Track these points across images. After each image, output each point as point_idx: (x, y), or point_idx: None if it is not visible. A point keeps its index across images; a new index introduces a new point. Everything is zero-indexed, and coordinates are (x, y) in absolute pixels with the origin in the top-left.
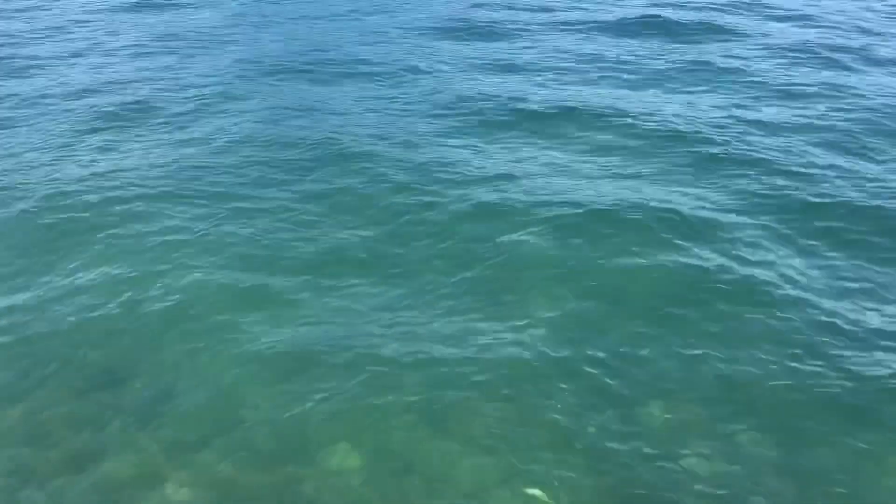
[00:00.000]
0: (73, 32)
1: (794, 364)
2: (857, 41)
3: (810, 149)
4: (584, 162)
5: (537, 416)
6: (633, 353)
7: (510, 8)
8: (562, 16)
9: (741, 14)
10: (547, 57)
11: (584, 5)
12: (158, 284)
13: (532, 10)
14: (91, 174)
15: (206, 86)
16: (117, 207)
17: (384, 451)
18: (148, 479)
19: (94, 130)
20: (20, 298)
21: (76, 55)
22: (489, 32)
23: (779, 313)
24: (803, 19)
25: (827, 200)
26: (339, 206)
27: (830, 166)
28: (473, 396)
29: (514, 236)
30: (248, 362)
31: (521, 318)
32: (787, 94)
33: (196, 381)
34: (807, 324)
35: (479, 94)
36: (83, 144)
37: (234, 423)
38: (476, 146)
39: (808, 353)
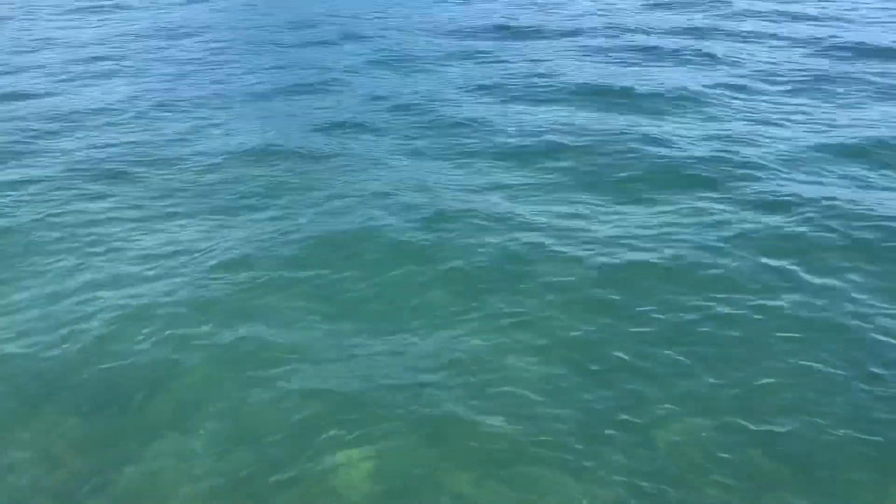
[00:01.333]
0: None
1: (817, 385)
2: None
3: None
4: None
5: (546, 438)
6: (646, 372)
7: None
8: None
9: None
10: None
11: None
12: (165, 301)
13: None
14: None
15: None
16: (112, 228)
17: (392, 468)
18: (160, 497)
19: None
20: (24, 317)
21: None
22: None
23: (801, 332)
24: None
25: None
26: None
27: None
28: (482, 413)
29: (515, 249)
30: (259, 377)
31: (528, 335)
32: None
33: (206, 397)
34: (831, 342)
35: None
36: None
37: (244, 437)
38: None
39: (832, 374)
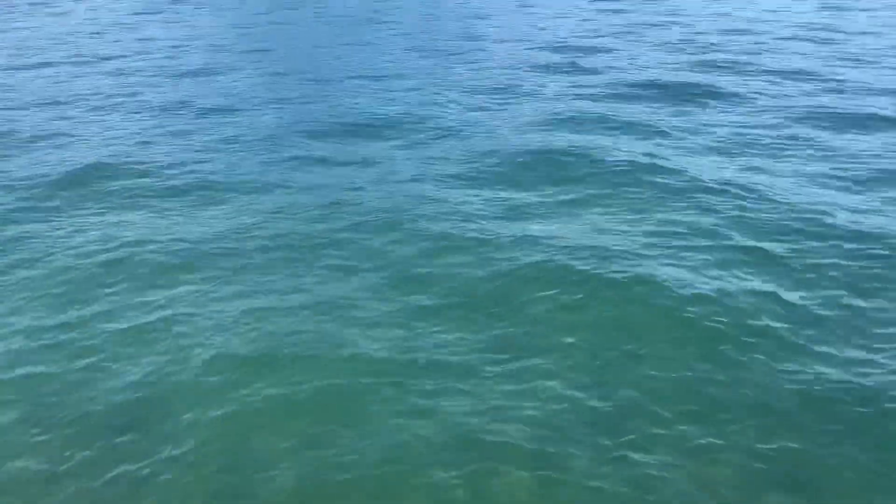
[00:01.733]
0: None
1: (828, 423)
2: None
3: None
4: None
5: (555, 480)
6: (656, 411)
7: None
8: None
9: None
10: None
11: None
12: (175, 336)
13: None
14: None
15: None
16: (136, 266)
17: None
18: None
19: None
20: (36, 345)
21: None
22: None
23: (814, 371)
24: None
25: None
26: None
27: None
28: (490, 459)
29: (529, 291)
30: (268, 419)
31: (535, 376)
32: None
33: (211, 436)
34: (834, 368)
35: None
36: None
37: (247, 480)
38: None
39: (844, 416)
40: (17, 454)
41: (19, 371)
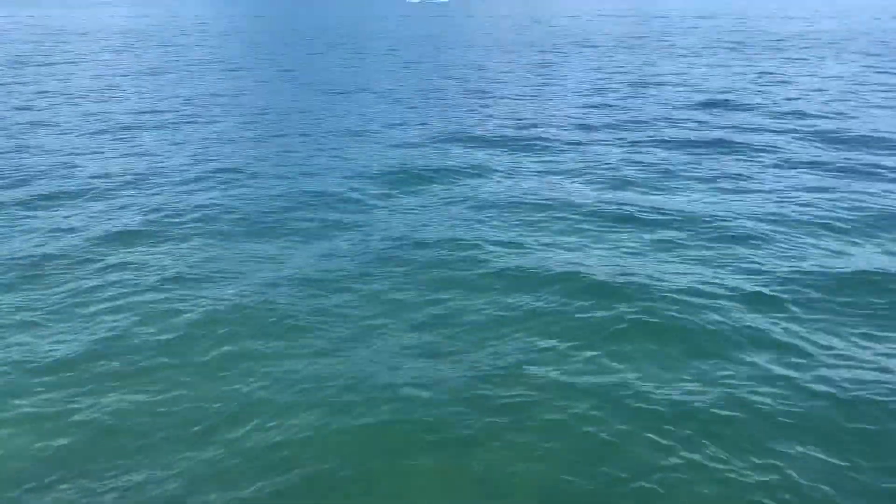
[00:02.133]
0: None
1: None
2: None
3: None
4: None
5: None
6: (652, 471)
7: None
8: None
9: None
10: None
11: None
12: (179, 376)
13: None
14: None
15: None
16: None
17: None
18: None
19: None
20: (36, 380)
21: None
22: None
23: (815, 403)
24: None
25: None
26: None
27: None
28: (501, 492)
29: (540, 329)
30: (272, 456)
31: (543, 410)
32: None
33: (211, 474)
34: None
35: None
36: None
37: None
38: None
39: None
40: (12, 488)
41: (21, 404)
